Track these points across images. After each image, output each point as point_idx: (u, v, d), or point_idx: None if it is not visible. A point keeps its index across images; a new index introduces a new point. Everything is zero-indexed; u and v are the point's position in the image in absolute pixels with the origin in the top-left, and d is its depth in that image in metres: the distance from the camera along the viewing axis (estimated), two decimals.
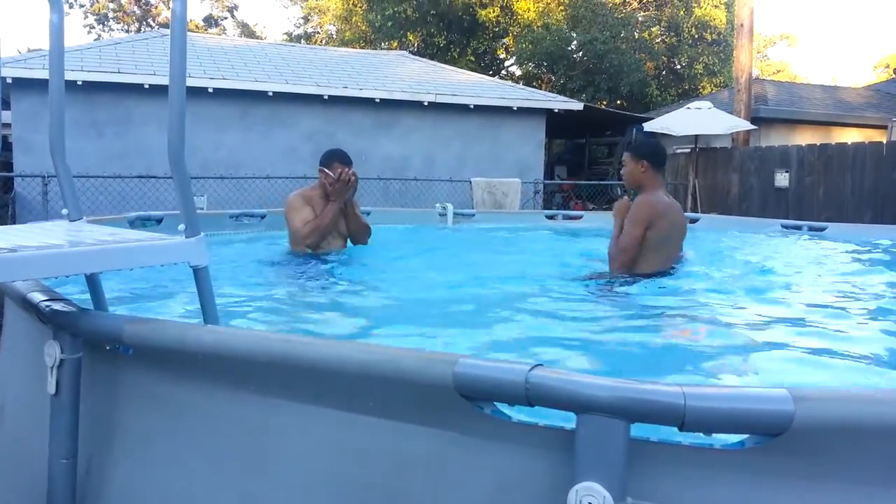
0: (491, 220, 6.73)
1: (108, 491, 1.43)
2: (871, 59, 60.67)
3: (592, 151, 17.89)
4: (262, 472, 1.21)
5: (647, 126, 11.90)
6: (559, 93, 16.78)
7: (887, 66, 28.15)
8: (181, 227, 1.44)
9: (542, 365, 0.97)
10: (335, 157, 4.01)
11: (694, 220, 6.58)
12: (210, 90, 9.91)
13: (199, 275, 1.49)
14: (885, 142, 10.00)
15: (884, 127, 13.31)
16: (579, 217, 7.12)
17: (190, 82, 10.37)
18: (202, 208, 7.78)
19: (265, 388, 1.19)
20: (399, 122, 11.26)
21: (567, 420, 0.96)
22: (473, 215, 6.65)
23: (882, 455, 0.89)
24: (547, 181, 13.49)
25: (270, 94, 10.32)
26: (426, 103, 11.20)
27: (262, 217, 5.03)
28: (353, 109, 10.91)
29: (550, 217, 7.01)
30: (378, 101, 10.94)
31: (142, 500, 1.38)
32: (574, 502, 0.90)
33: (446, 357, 1.01)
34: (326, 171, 3.93)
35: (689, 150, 12.00)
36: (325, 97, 10.62)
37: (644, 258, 3.40)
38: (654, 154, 3.58)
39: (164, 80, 1.61)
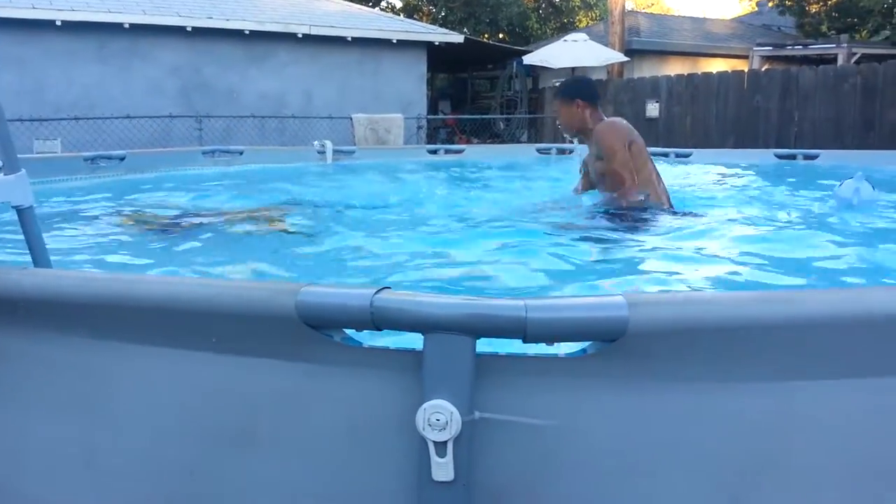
0: (371, 157, 6.64)
1: None
2: None
3: (475, 86, 17.91)
4: (104, 420, 1.14)
5: (527, 59, 12.01)
6: (440, 25, 16.54)
7: None
8: None
9: (388, 287, 0.95)
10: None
11: (571, 151, 6.78)
12: (58, 23, 9.01)
13: (24, 215, 1.35)
14: (746, 71, 10.58)
15: (746, 57, 14.08)
16: (461, 151, 7.16)
17: (35, 14, 9.43)
18: (56, 152, 7.16)
19: (99, 331, 1.10)
20: (273, 56, 10.75)
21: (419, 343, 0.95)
22: (353, 152, 6.53)
23: (716, 354, 0.93)
24: (430, 116, 13.40)
25: (127, 25, 9.53)
26: (301, 35, 10.73)
27: (122, 159, 4.70)
28: (220, 42, 10.29)
29: (433, 152, 7.01)
30: (248, 32, 10.36)
31: None
32: (422, 421, 0.89)
33: (288, 287, 0.97)
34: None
35: None
36: (189, 28, 9.94)
37: None
38: None
39: None
